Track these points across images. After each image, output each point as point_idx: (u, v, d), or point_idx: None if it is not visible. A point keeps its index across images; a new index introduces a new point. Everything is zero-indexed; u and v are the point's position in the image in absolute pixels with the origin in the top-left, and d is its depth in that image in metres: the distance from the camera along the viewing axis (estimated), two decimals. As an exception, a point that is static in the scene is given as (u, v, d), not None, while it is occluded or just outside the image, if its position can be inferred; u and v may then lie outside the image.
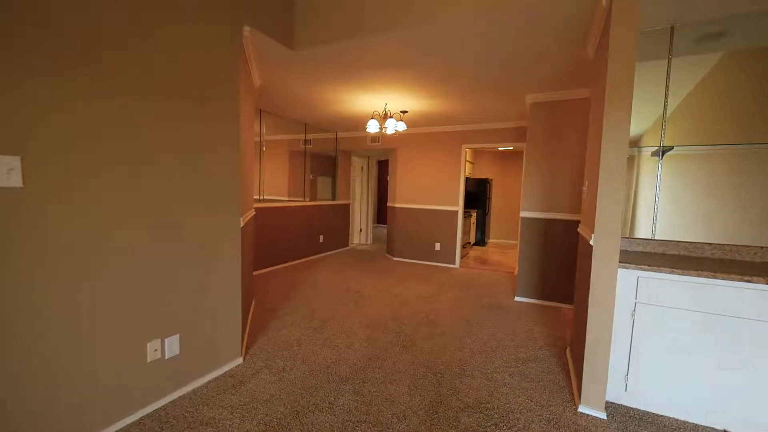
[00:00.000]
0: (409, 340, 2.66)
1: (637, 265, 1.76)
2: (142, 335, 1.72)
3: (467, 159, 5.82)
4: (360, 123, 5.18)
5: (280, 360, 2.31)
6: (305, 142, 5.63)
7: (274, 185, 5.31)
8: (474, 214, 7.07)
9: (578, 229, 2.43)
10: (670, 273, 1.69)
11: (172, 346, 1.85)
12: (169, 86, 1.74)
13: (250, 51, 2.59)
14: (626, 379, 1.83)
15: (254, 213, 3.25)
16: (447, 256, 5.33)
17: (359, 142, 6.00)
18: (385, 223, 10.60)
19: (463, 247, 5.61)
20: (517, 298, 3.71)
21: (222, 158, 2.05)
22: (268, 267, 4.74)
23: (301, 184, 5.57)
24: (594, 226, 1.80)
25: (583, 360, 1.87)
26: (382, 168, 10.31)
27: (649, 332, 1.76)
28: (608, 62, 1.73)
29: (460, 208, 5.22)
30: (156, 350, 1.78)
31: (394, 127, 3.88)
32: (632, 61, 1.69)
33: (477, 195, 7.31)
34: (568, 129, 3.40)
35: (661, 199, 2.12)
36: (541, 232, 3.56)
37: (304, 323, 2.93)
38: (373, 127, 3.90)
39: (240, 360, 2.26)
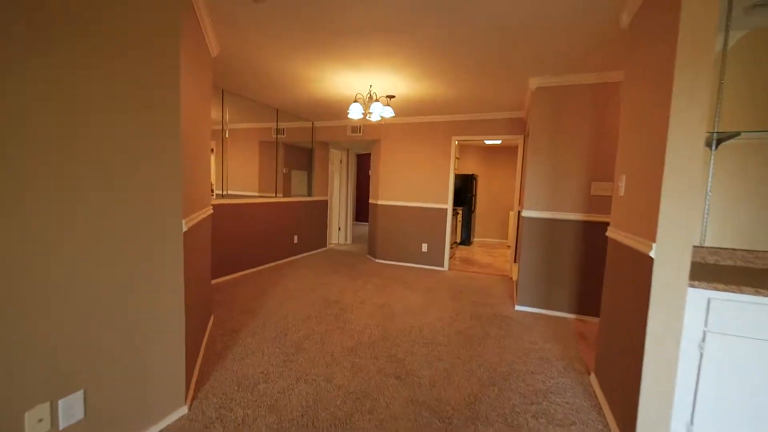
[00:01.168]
0: (404, 368, 2.18)
1: (708, 282, 1.36)
2: (15, 401, 1.13)
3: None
4: (339, 110, 4.62)
5: (240, 406, 1.76)
6: (277, 131, 5.00)
7: (243, 179, 4.67)
8: (460, 212, 6.70)
9: (608, 233, 2.03)
10: (755, 295, 1.30)
11: (70, 408, 1.26)
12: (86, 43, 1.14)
13: (201, 5, 1.99)
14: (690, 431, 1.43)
15: (211, 212, 2.65)
16: (435, 258, 4.90)
17: (338, 132, 5.44)
18: (364, 220, 10.09)
19: (450, 247, 5.21)
20: (518, 307, 3.32)
21: (153, 146, 1.46)
22: (233, 273, 4.11)
23: (273, 179, 4.94)
24: (656, 234, 1.38)
25: (621, 394, 1.46)
26: (362, 162, 9.78)
27: (724, 371, 1.37)
28: (680, 23, 1.30)
29: (449, 206, 4.80)
30: (41, 420, 1.19)
31: (380, 112, 3.37)
32: (714, 19, 1.28)
33: (462, 192, 6.94)
34: (576, 118, 3.02)
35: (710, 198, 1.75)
36: (545, 233, 3.18)
37: (273, 348, 2.38)
38: (355, 111, 3.36)
39: (184, 410, 1.69)
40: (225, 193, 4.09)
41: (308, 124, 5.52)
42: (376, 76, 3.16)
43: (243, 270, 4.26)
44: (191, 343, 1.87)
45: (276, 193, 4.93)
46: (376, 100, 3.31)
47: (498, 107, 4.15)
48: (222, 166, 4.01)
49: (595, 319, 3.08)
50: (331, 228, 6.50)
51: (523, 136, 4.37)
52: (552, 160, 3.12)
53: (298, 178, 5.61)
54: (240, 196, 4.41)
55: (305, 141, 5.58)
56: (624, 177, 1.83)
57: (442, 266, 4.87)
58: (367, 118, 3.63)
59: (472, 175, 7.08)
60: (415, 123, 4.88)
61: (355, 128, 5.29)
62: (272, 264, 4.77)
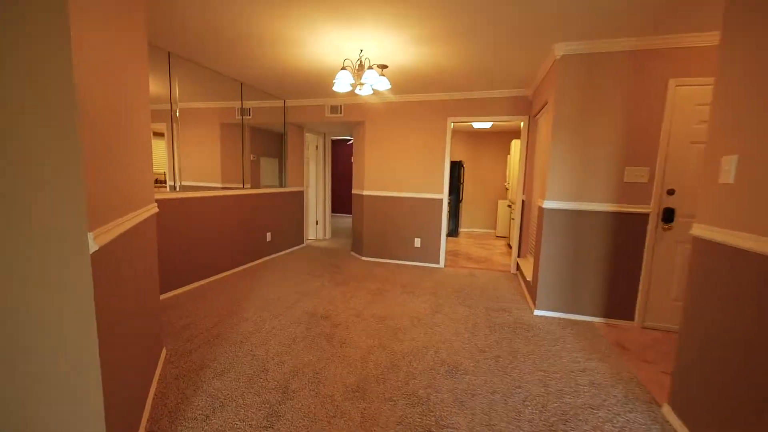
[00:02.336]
0: (432, 414, 1.64)
1: None
2: None
3: (448, 136, 4.87)
4: (317, 85, 3.91)
5: None
6: (242, 111, 4.20)
7: (202, 168, 3.87)
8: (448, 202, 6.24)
9: (696, 232, 1.58)
10: None
11: None
12: None
13: None
14: None
15: (155, 210, 1.93)
16: (429, 253, 4.40)
17: (315, 112, 4.72)
18: (342, 212, 9.43)
19: (446, 241, 4.72)
20: (537, 312, 2.89)
21: (23, 128, 0.78)
22: (193, 282, 3.36)
23: (238, 167, 4.17)
24: None
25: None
26: (336, 148, 9.05)
27: None
28: None
29: (444, 195, 4.29)
30: None
31: (373, 83, 2.74)
32: None
33: (449, 180, 6.47)
34: (608, 93, 2.57)
35: None
36: (569, 227, 2.75)
37: (250, 395, 1.75)
38: (343, 82, 2.71)
39: None
40: (177, 186, 3.30)
41: (279, 103, 4.75)
42: (369, 36, 2.52)
43: (206, 277, 3.52)
44: (123, 405, 1.21)
45: (243, 184, 4.16)
46: (369, 68, 2.67)
47: (502, 83, 3.64)
48: (173, 153, 3.21)
49: (627, 323, 2.71)
50: (308, 222, 5.80)
51: (528, 117, 3.92)
52: (579, 143, 2.67)
53: (269, 166, 4.85)
54: (198, 188, 3.63)
55: (276, 123, 4.81)
56: (735, 158, 1.37)
57: (438, 263, 4.39)
58: (356, 91, 2.98)
59: (460, 161, 6.63)
60: (405, 102, 4.28)
61: (335, 108, 4.60)
62: (243, 267, 4.04)
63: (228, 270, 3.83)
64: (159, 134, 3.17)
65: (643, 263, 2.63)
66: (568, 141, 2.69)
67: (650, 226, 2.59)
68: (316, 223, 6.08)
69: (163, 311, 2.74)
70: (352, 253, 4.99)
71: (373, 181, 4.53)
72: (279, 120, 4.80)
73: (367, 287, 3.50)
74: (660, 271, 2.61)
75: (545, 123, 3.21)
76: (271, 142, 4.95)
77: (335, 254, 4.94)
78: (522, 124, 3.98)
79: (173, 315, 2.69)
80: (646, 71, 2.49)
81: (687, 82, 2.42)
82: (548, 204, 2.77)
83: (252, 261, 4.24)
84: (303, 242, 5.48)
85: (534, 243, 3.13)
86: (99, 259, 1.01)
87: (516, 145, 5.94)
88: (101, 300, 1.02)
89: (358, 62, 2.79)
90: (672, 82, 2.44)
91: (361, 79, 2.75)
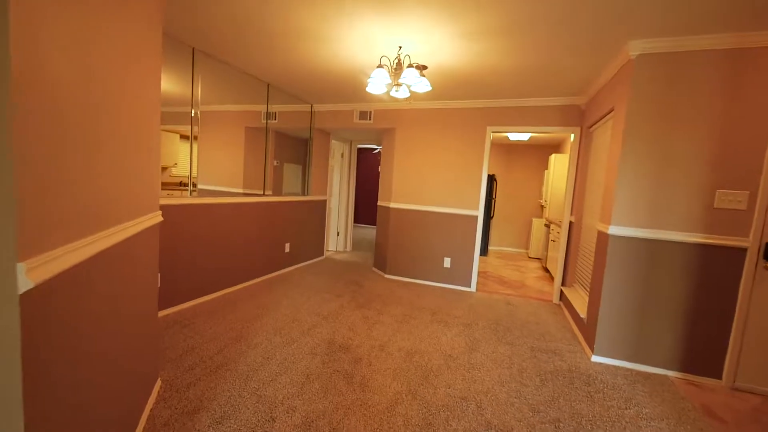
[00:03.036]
0: None
1: None
2: None
3: (484, 148, 4.47)
4: (348, 88, 3.64)
5: None
6: (268, 114, 3.99)
7: (224, 173, 3.68)
8: (479, 218, 5.80)
9: None
10: None
11: None
12: None
13: None
14: None
15: (156, 221, 1.66)
16: (460, 275, 3.99)
17: (343, 118, 4.45)
18: (363, 222, 9.14)
19: (478, 262, 4.29)
20: (596, 358, 2.42)
21: None
22: (204, 295, 3.10)
23: (260, 173, 3.94)
24: None
25: None
26: (361, 157, 8.81)
27: None
28: None
29: (480, 212, 3.88)
30: None
31: (413, 84, 2.42)
32: None
33: (481, 194, 6.04)
34: (696, 99, 2.13)
35: None
36: (640, 258, 2.29)
37: (252, 456, 1.41)
38: (379, 81, 2.40)
39: None
40: (193, 188, 3.08)
41: (306, 107, 4.52)
42: (411, 29, 2.21)
43: (218, 290, 3.25)
44: None
45: (263, 191, 3.92)
46: (409, 66, 2.35)
47: (552, 89, 3.25)
48: (191, 154, 3.00)
49: (711, 382, 2.20)
50: (329, 233, 5.52)
51: (579, 129, 3.48)
52: (655, 158, 2.23)
53: (292, 173, 4.62)
54: (219, 193, 3.41)
55: (302, 129, 4.58)
56: None
57: (469, 286, 3.96)
58: (391, 93, 2.67)
59: (492, 175, 6.20)
60: (440, 109, 3.94)
61: (364, 114, 4.32)
62: (258, 280, 3.77)
63: (243, 282, 3.56)
64: (185, 137, 2.97)
65: (737, 309, 2.13)
66: (642, 155, 2.25)
67: (748, 264, 2.09)
68: (338, 235, 5.78)
69: (167, 329, 2.47)
70: (374, 269, 4.63)
71: (402, 193, 4.19)
72: (305, 125, 4.57)
73: (391, 312, 3.13)
74: (760, 321, 2.10)
75: (605, 135, 2.78)
76: (296, 148, 4.73)
77: (356, 269, 4.60)
78: (572, 136, 3.55)
79: (177, 335, 2.41)
80: (746, 74, 2.04)
81: (804, 89, 1.95)
82: (615, 230, 2.32)
83: (268, 273, 3.97)
84: (323, 254, 5.18)
85: (592, 273, 2.67)
86: (39, 297, 0.71)
87: (556, 160, 5.46)
88: (41, 353, 0.71)
89: (396, 61, 2.48)
90: (784, 88, 1.98)
91: (398, 78, 2.43)
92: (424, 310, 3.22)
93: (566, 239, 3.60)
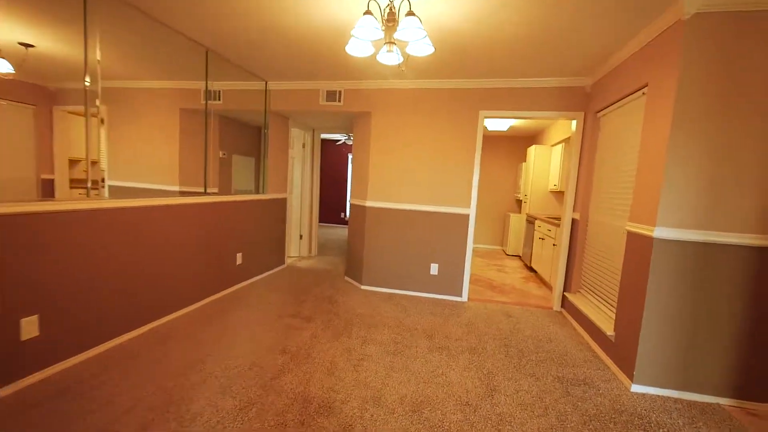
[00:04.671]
0: None
1: None
2: None
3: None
4: (311, 55, 2.90)
5: None
6: (207, 93, 3.12)
7: (151, 165, 2.80)
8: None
9: None
10: None
11: None
12: None
13: None
14: None
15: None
16: (449, 283, 3.45)
17: (306, 99, 3.68)
18: (329, 221, 8.38)
19: (466, 266, 3.79)
20: (637, 387, 2.00)
21: None
22: (112, 338, 2.22)
23: (201, 167, 3.07)
24: None
25: None
26: (325, 149, 8.02)
27: None
28: None
29: (472, 210, 3.37)
30: None
31: (414, 38, 1.77)
32: None
33: (458, 189, 5.59)
34: (763, 72, 1.73)
35: None
36: (692, 267, 1.88)
37: None
38: (365, 35, 1.73)
39: None
40: (96, 188, 2.19)
41: (259, 85, 3.68)
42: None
43: (140, 326, 2.38)
44: None
45: (206, 189, 3.06)
46: (409, 14, 1.70)
47: (554, 68, 2.79)
48: (86, 141, 2.09)
49: (766, 407, 1.87)
50: (290, 236, 4.72)
51: (583, 114, 3.08)
52: (713, 147, 1.81)
53: (243, 166, 3.78)
54: (145, 192, 2.53)
55: (254, 112, 3.73)
56: None
57: (461, 296, 3.44)
58: (378, 58, 2.01)
59: (468, 168, 5.78)
60: (424, 90, 3.35)
61: (332, 94, 3.59)
62: (200, 305, 2.92)
63: (179, 309, 2.70)
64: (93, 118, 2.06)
65: (800, 323, 1.80)
66: (696, 142, 1.83)
67: (815, 270, 1.76)
68: (300, 238, 5.00)
69: (59, 396, 1.61)
70: (347, 278, 3.95)
71: (379, 190, 3.54)
72: (258, 107, 3.73)
73: (378, 338, 2.49)
74: (826, 336, 1.78)
75: (624, 119, 2.37)
76: (248, 137, 3.88)
77: (326, 280, 3.88)
78: (574, 122, 3.14)
79: (69, 406, 1.56)
80: (820, 41, 1.68)
81: None
82: (662, 233, 1.89)
83: (215, 293, 3.12)
84: (284, 262, 4.39)
85: (620, 282, 2.24)
86: None
87: (536, 151, 5.15)
88: None
89: (388, 9, 1.81)
90: None
91: (394, 33, 1.77)
92: (418, 333, 2.63)
93: (568, 239, 3.20)
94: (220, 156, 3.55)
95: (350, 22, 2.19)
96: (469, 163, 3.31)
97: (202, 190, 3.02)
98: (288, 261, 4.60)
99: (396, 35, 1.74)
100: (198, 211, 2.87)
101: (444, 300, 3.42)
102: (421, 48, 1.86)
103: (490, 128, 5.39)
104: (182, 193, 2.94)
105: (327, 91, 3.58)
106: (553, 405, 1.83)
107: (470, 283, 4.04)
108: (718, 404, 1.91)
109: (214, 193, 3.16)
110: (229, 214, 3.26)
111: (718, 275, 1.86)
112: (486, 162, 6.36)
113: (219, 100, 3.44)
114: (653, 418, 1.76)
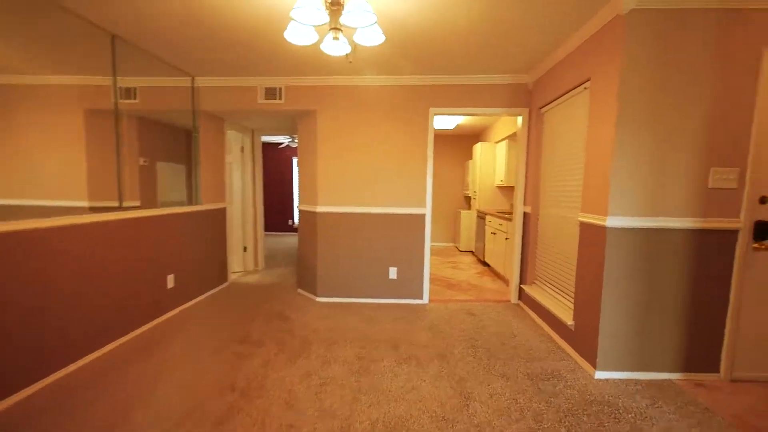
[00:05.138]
0: None
1: None
2: None
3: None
4: (245, 45, 2.59)
5: None
6: (119, 91, 2.65)
7: (50, 177, 2.26)
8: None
9: None
10: None
11: None
12: None
13: None
14: None
15: None
16: (409, 286, 3.34)
17: (241, 97, 3.32)
18: (275, 230, 7.87)
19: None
20: (600, 374, 2.04)
21: None
22: (15, 393, 1.72)
23: (115, 176, 2.58)
24: None
25: None
26: (267, 152, 7.53)
27: None
28: None
29: (428, 209, 3.29)
30: None
31: (361, 24, 1.60)
32: None
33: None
34: (690, 67, 1.86)
35: None
36: (641, 252, 1.96)
37: None
38: (306, 19, 1.52)
39: None
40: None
41: (185, 81, 3.23)
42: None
43: (40, 378, 1.88)
44: None
45: (121, 203, 2.57)
46: (356, -3, 1.52)
47: (500, 64, 2.82)
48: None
49: (711, 377, 2.01)
50: (232, 249, 4.27)
51: (528, 110, 3.16)
52: (653, 136, 1.91)
53: (171, 175, 3.29)
54: (39, 211, 2.02)
55: (179, 113, 3.27)
56: None
57: (422, 298, 3.35)
58: (322, 46, 1.80)
59: (418, 168, 5.76)
60: (374, 87, 3.19)
61: (272, 91, 3.27)
62: (120, 342, 2.43)
63: (91, 352, 2.21)
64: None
65: (731, 296, 1.96)
66: (639, 133, 1.90)
67: (740, 246, 1.93)
68: (244, 250, 4.55)
69: None
70: (301, 291, 3.66)
71: (330, 193, 3.31)
72: (184, 107, 3.28)
73: (340, 356, 2.27)
74: (751, 305, 1.96)
75: (565, 114, 2.45)
76: (175, 141, 3.39)
77: (276, 295, 3.54)
78: (520, 118, 3.22)
79: None
80: (734, 38, 1.84)
81: (783, 55, 1.83)
82: (614, 221, 1.94)
83: (141, 325, 2.64)
84: (226, 280, 3.94)
85: (576, 273, 2.29)
86: None
87: (482, 149, 5.30)
88: None
89: (330, -8, 1.61)
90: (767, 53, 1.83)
91: (339, 17, 1.58)
92: (383, 345, 2.46)
93: (521, 232, 3.27)
94: (141, 164, 3.05)
95: (290, 5, 1.95)
96: (423, 162, 3.23)
97: (116, 203, 2.53)
98: (231, 278, 4.15)
99: (342, 20, 1.56)
100: (114, 230, 2.39)
101: (406, 304, 3.30)
102: (371, 36, 1.70)
103: (437, 127, 5.43)
104: (93, 210, 2.43)
105: (266, 88, 3.26)
106: (528, 405, 1.78)
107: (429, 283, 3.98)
108: (670, 380, 2.02)
109: (134, 207, 2.68)
110: (154, 231, 2.79)
111: (661, 258, 1.96)
112: (435, 161, 6.40)
113: (135, 98, 2.94)
114: (620, 404, 1.79)
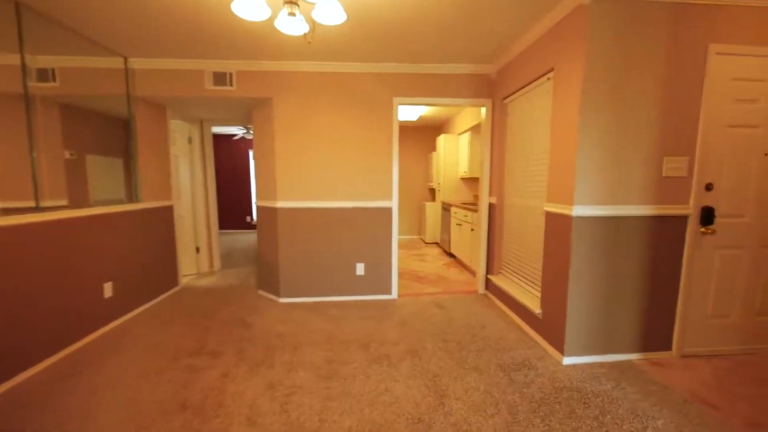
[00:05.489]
0: None
1: None
2: None
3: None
4: (189, 19, 2.30)
5: None
6: (28, 71, 2.24)
7: None
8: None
9: None
10: None
11: None
12: None
13: None
14: None
15: None
16: (378, 282, 3.25)
17: (186, 83, 2.98)
18: (231, 227, 7.41)
19: (392, 261, 3.63)
20: (568, 360, 2.08)
21: None
22: None
23: (29, 172, 2.19)
24: None
25: None
26: (222, 145, 7.05)
27: None
28: None
29: (394, 202, 3.20)
30: None
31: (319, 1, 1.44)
32: None
33: (374, 182, 5.43)
34: (647, 59, 1.91)
35: None
36: (604, 239, 2.02)
37: None
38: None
39: None
40: None
41: (116, 63, 2.84)
42: None
43: (-66, 421, 1.54)
44: None
45: (37, 203, 2.19)
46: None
47: (463, 52, 2.77)
48: None
49: (664, 355, 2.13)
50: (184, 250, 3.91)
51: (491, 101, 3.16)
52: (615, 127, 1.94)
53: (105, 170, 2.90)
54: None
55: (112, 98, 2.87)
56: None
57: (390, 293, 3.27)
58: (276, 23, 1.61)
59: (382, 160, 5.65)
60: (336, 74, 3.01)
61: (221, 77, 2.98)
62: (42, 366, 2.09)
63: (16, 376, 1.87)
64: None
65: (682, 277, 2.09)
66: (603, 123, 1.93)
67: (689, 231, 2.05)
68: (197, 251, 4.19)
69: None
70: (262, 293, 3.43)
71: (291, 188, 3.10)
72: (117, 91, 2.88)
73: (307, 361, 2.13)
74: (698, 284, 2.10)
75: (529, 104, 2.46)
76: (108, 131, 2.98)
77: (235, 298, 3.29)
78: (484, 109, 3.21)
79: None
80: (684, 33, 1.91)
81: (727, 50, 1.93)
82: (580, 211, 1.97)
83: (73, 343, 2.30)
84: (177, 284, 3.59)
85: (543, 263, 2.32)
86: None
87: (445, 140, 5.30)
88: None
89: (285, -42, 1.43)
90: (712, 49, 1.92)
91: (295, -13, 1.41)
92: (353, 346, 2.34)
93: (487, 223, 3.29)
94: (67, 157, 2.64)
95: (236, -24, 1.72)
96: (388, 154, 3.13)
97: (33, 203, 2.15)
98: (183, 281, 3.80)
99: (299, -9, 1.39)
100: (31, 235, 2.03)
101: (374, 300, 3.20)
102: (330, 13, 1.54)
103: (400, 118, 5.34)
104: (5, 212, 2.04)
105: (214, 73, 2.96)
106: (502, 398, 1.76)
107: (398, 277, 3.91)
108: (630, 360, 2.11)
109: (58, 208, 2.30)
110: (85, 234, 2.43)
111: (622, 244, 2.03)
112: (399, 153, 6.35)
113: (54, 80, 2.53)
114: (588, 389, 1.83)
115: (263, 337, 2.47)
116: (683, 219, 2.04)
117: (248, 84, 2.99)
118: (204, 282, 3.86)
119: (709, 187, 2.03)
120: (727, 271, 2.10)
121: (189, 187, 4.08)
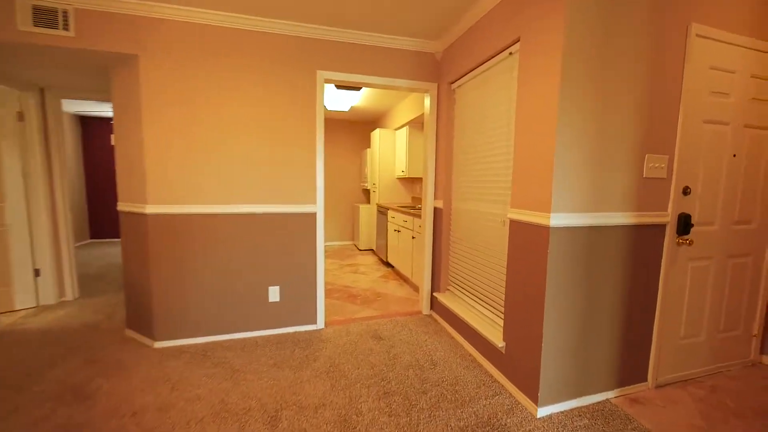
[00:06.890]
0: None
1: None
2: None
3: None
4: None
5: None
6: None
7: None
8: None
9: None
10: None
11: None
12: None
13: None
14: None
15: None
16: (298, 309, 2.51)
17: (-17, 17, 1.88)
18: (107, 236, 5.89)
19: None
20: (544, 410, 1.62)
21: None
22: None
23: None
24: None
25: None
26: (92, 129, 5.54)
27: None
28: None
29: (319, 206, 2.50)
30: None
31: None
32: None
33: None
34: (630, 43, 1.54)
35: None
36: (586, 256, 1.60)
37: None
38: None
39: None
40: None
41: None
42: None
43: None
44: None
45: None
46: None
47: (399, 24, 2.22)
48: None
49: (640, 387, 1.82)
50: (14, 275, 2.67)
51: (437, 86, 2.66)
52: (600, 114, 1.53)
53: None
54: None
55: None
56: None
57: (315, 323, 2.56)
58: None
59: (308, 156, 4.87)
60: (237, 30, 2.19)
61: (50, 14, 1.94)
62: None
63: None
64: None
65: (659, 297, 1.79)
66: (585, 113, 1.51)
67: (666, 242, 1.75)
68: (36, 275, 2.94)
69: None
70: (130, 332, 2.42)
71: (168, 186, 2.19)
72: None
73: (174, 465, 1.32)
74: (673, 303, 1.83)
75: (484, 89, 2.00)
76: None
77: (85, 345, 2.24)
78: (428, 99, 2.69)
79: None
80: (667, 11, 1.59)
81: (707, 33, 1.67)
82: (559, 220, 1.52)
83: None
84: (-13, 329, 2.37)
85: (506, 283, 1.85)
86: None
87: (381, 136, 4.75)
88: None
89: None
90: (693, 29, 1.64)
91: None
92: (254, 418, 1.58)
93: (431, 230, 2.79)
94: None
95: None
96: (309, 143, 2.41)
97: None
98: (8, 320, 2.57)
99: None
100: None
101: (294, 334, 2.45)
102: None
103: (329, 108, 4.63)
104: None
105: (34, 6, 1.91)
106: (475, 496, 1.20)
107: (325, 297, 3.20)
108: (608, 400, 1.74)
109: None
110: None
111: (603, 261, 1.64)
112: (328, 149, 5.63)
113: None
114: (577, 458, 1.38)
115: (106, 419, 1.56)
116: (662, 228, 1.74)
117: (97, 31, 2.01)
118: (44, 320, 2.67)
119: (686, 191, 1.75)
120: (697, 285, 1.87)
121: (20, 184, 2.83)
